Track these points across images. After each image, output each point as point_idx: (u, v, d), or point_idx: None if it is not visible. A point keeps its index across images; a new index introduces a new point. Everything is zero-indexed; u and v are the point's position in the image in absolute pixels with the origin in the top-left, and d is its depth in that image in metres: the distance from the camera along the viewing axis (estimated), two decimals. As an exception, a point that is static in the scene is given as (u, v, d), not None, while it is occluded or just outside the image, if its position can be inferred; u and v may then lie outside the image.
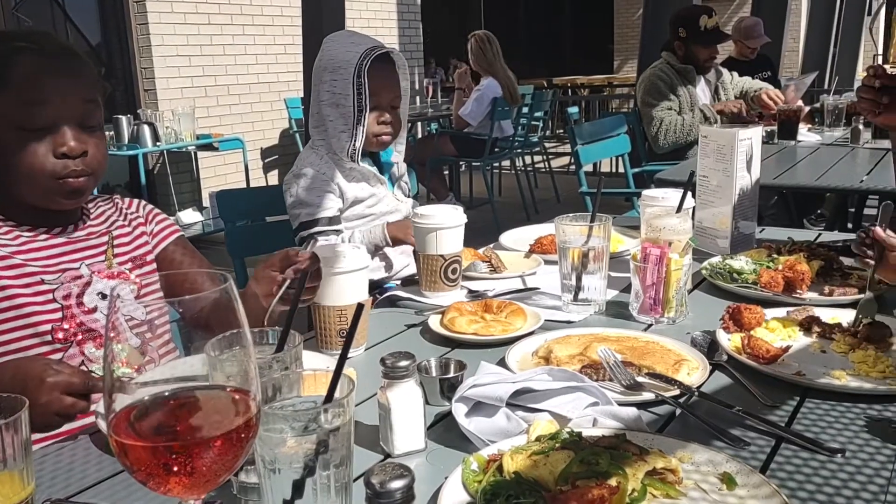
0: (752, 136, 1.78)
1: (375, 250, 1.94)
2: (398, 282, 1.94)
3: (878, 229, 1.34)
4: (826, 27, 9.58)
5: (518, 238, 2.02)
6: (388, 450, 1.00)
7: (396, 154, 2.11)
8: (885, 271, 1.26)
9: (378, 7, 8.24)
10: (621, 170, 4.14)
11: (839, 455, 0.93)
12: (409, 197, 2.13)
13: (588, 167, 3.67)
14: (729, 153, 1.78)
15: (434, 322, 1.44)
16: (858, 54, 11.17)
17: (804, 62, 9.83)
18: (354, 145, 1.90)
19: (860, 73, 11.37)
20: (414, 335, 1.45)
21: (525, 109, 6.86)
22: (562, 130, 10.96)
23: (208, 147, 6.09)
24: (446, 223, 1.59)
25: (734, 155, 1.77)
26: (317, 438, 0.74)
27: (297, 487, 0.74)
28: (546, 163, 7.95)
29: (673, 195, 1.67)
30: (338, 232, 1.94)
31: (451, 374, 1.15)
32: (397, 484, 0.68)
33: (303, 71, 5.46)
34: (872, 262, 1.35)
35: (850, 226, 3.87)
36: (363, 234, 1.94)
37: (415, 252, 1.65)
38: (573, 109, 9.13)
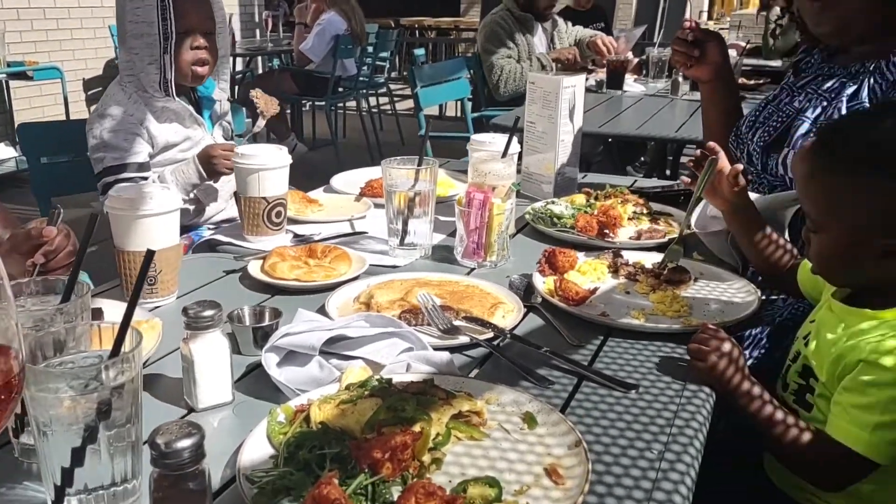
0: (575, 84, 1.83)
1: (192, 189, 1.83)
2: (214, 226, 1.86)
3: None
4: (658, -19, 10.01)
5: (349, 181, 1.98)
6: (191, 404, 0.95)
7: (219, 91, 2.00)
8: (713, 197, 1.33)
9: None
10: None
11: (633, 391, 0.99)
12: (231, 139, 2.02)
13: (433, 109, 3.67)
14: (554, 100, 1.82)
15: (254, 268, 1.39)
16: (686, 9, 11.80)
17: (637, 14, 10.27)
18: (165, 77, 1.77)
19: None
20: (233, 282, 1.39)
21: (370, 49, 6.72)
22: (408, 72, 10.90)
23: (22, 76, 5.53)
24: (269, 164, 1.52)
25: (558, 102, 1.81)
26: (97, 398, 0.69)
27: (76, 454, 0.68)
28: (392, 105, 7.87)
29: (500, 140, 1.69)
30: (145, 179, 1.81)
31: (266, 323, 1.11)
32: (185, 443, 0.64)
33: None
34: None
35: (668, 172, 4.13)
36: (174, 174, 1.82)
37: (236, 194, 1.57)
38: (419, 51, 9.07)
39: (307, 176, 5.63)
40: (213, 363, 0.94)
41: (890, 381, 0.95)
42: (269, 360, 1.00)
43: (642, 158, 4.88)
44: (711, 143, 1.33)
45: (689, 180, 1.44)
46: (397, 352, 1.02)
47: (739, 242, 1.34)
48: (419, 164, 1.48)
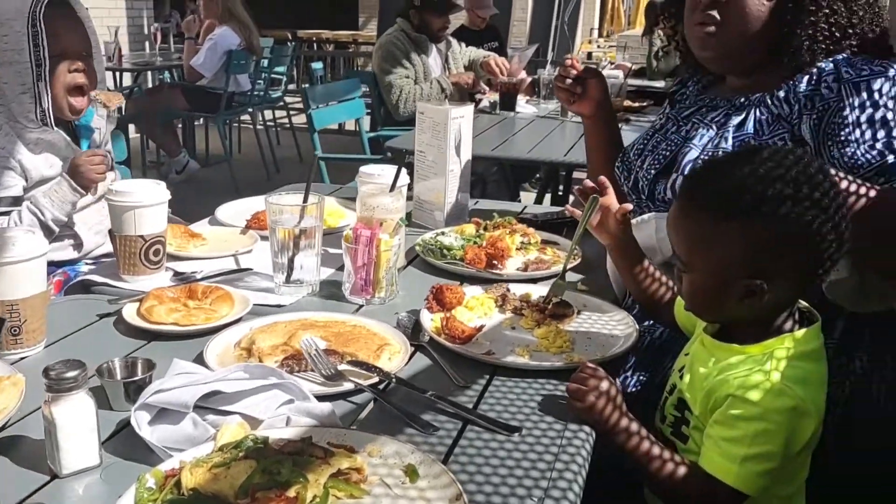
0: (464, 115, 1.85)
1: (71, 208, 1.74)
2: (92, 262, 1.77)
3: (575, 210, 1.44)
4: (549, 1, 10.30)
5: (237, 211, 1.93)
6: (55, 469, 0.90)
7: (97, 118, 1.91)
8: (599, 231, 1.36)
9: (96, -61, 7.40)
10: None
11: (516, 433, 1.00)
12: (111, 169, 1.93)
13: (333, 125, 3.61)
14: (443, 130, 1.83)
15: (129, 312, 1.32)
16: (577, 26, 12.19)
17: (531, 33, 10.53)
18: (42, 107, 1.68)
19: (578, 46, 12.46)
20: (107, 327, 1.32)
21: (265, 63, 6.60)
22: (308, 85, 10.77)
23: None
24: (145, 200, 1.46)
25: (448, 132, 1.82)
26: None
27: None
28: (289, 118, 7.75)
29: (389, 172, 1.68)
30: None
31: (138, 377, 1.06)
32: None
33: None
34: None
35: (560, 188, 4.24)
36: (48, 196, 1.72)
37: (111, 232, 1.50)
38: (317, 65, 8.99)
39: (201, 194, 5.44)
40: (77, 426, 0.89)
41: (756, 414, 1.00)
42: (140, 419, 0.96)
43: (537, 175, 5.00)
44: (602, 179, 1.35)
45: (573, 210, 1.48)
46: (277, 405, 0.99)
47: (621, 275, 1.38)
48: (305, 201, 1.45)
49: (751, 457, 0.99)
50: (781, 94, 1.39)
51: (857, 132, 1.28)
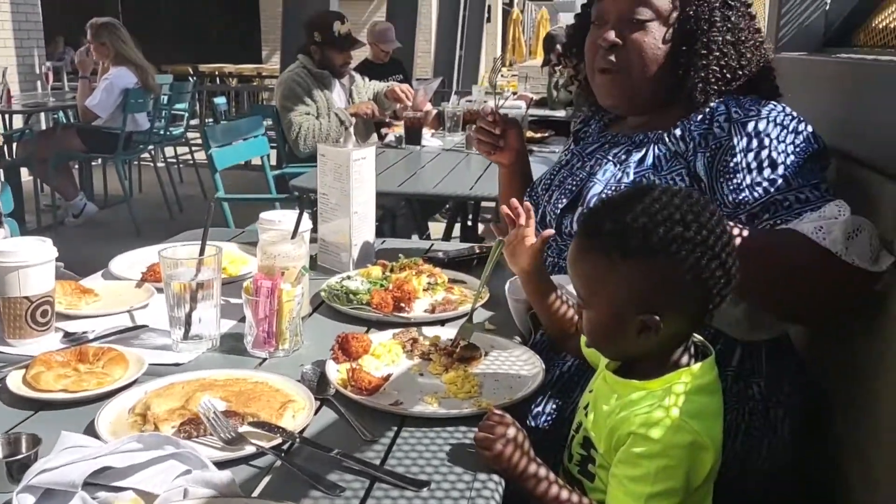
0: (366, 156, 1.84)
1: None
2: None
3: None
4: (452, 31, 10.50)
5: (133, 263, 1.85)
6: (-76, 569, 0.82)
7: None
8: (513, 261, 1.36)
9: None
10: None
11: (424, 489, 0.98)
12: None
13: (239, 162, 3.51)
14: (345, 172, 1.81)
15: (14, 380, 1.24)
16: (480, 56, 12.45)
17: (435, 65, 10.68)
18: None
19: (482, 74, 12.71)
20: (-12, 398, 1.23)
21: (165, 100, 6.43)
22: (211, 120, 10.56)
23: None
24: (30, 259, 1.38)
25: (349, 174, 1.80)
26: None
27: None
28: (191, 154, 7.56)
29: (290, 217, 1.65)
30: None
31: (22, 454, 0.99)
32: None
33: None
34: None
35: (469, 218, 4.28)
36: None
37: (-9, 294, 1.41)
38: (220, 100, 8.83)
39: (100, 238, 5.26)
40: (-52, 519, 0.82)
41: (658, 451, 1.02)
42: (24, 502, 0.89)
43: (447, 206, 5.03)
44: (527, 204, 1.34)
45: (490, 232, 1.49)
46: (173, 476, 0.94)
47: (534, 305, 1.39)
48: (202, 252, 1.41)
49: (655, 494, 1.01)
50: (678, 132, 1.45)
51: (745, 170, 1.35)
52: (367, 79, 4.52)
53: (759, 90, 1.49)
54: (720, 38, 1.43)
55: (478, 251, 1.96)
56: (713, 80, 1.43)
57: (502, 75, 12.57)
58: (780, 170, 1.33)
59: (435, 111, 4.49)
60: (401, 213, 3.89)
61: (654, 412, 1.04)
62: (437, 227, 4.94)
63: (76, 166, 6.12)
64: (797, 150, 1.35)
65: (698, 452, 1.03)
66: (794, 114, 1.40)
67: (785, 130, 1.37)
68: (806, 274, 1.26)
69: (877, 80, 1.63)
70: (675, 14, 1.45)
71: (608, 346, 1.14)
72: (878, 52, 1.85)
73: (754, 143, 1.36)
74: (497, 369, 1.33)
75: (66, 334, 1.46)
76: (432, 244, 2.13)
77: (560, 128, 4.17)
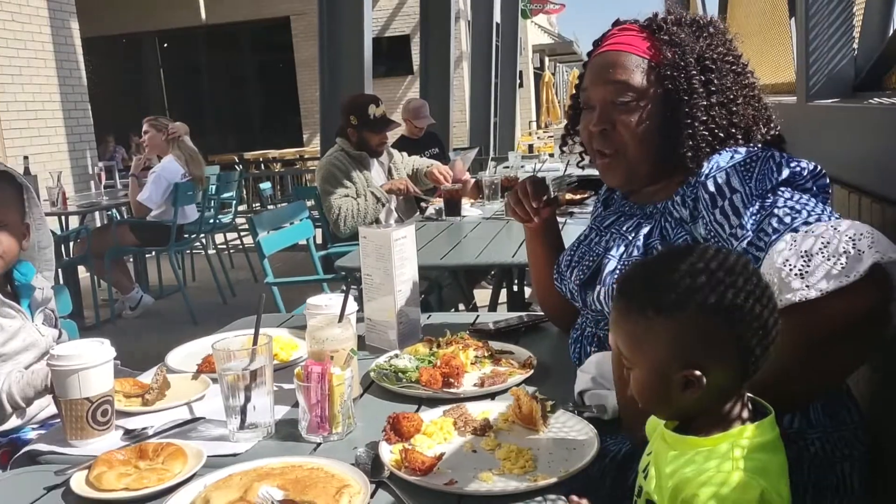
0: (406, 235, 1.88)
1: (34, 396, 1.69)
2: (38, 426, 1.71)
3: None
4: (486, 99, 10.72)
5: (188, 354, 1.90)
6: None
7: (40, 278, 1.89)
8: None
9: (37, 89, 7.52)
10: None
11: (487, 568, 0.97)
12: (55, 326, 1.91)
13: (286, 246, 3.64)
14: (387, 252, 1.85)
15: (78, 481, 1.27)
16: (515, 121, 12.63)
17: (471, 133, 10.87)
18: None
19: (518, 138, 12.89)
20: (55, 501, 1.26)
21: (212, 190, 6.66)
22: (258, 205, 10.87)
23: None
24: (90, 361, 1.43)
25: (391, 253, 1.84)
26: None
27: None
28: (240, 240, 7.77)
29: (336, 301, 1.68)
30: None
31: (88, 557, 1.01)
32: None
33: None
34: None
35: (515, 283, 4.28)
36: (21, 376, 1.68)
37: (54, 396, 1.47)
38: (265, 185, 9.11)
39: (157, 328, 5.38)
40: None
41: None
42: None
43: (492, 273, 5.04)
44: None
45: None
46: (234, 572, 0.95)
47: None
48: (255, 342, 1.44)
49: None
50: (678, 198, 1.46)
51: (719, 224, 1.36)
52: (404, 154, 4.63)
53: (756, 140, 1.49)
54: (704, 104, 1.45)
55: (525, 320, 1.96)
56: (703, 144, 1.45)
57: (538, 137, 12.74)
58: (740, 216, 1.33)
59: (473, 180, 4.55)
60: (446, 284, 3.92)
61: (719, 472, 1.02)
62: (483, 295, 4.94)
63: (131, 260, 6.33)
64: (751, 194, 1.35)
65: (769, 499, 1.00)
66: (758, 155, 1.39)
67: (744, 175, 1.37)
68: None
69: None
70: (655, 90, 1.48)
71: (658, 405, 1.12)
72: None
73: (717, 199, 1.37)
74: (551, 439, 1.32)
75: (127, 431, 1.49)
76: (478, 315, 2.14)
77: (601, 187, 4.16)
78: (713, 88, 1.46)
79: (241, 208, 8.62)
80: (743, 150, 1.42)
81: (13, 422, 1.72)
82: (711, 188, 1.39)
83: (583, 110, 1.59)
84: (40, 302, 1.89)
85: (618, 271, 1.47)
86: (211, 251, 7.02)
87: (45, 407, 1.77)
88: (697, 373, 1.03)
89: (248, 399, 1.42)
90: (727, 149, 1.44)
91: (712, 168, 1.42)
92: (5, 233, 1.77)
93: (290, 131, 15.06)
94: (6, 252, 1.77)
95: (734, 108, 1.47)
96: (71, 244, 6.00)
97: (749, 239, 1.32)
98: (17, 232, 1.80)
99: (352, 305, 1.66)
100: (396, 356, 1.72)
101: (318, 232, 4.42)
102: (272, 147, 13.62)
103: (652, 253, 1.45)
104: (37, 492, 1.29)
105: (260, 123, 16.16)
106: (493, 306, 3.99)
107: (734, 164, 1.39)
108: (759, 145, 1.45)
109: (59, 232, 6.32)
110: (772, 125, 1.52)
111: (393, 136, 4.81)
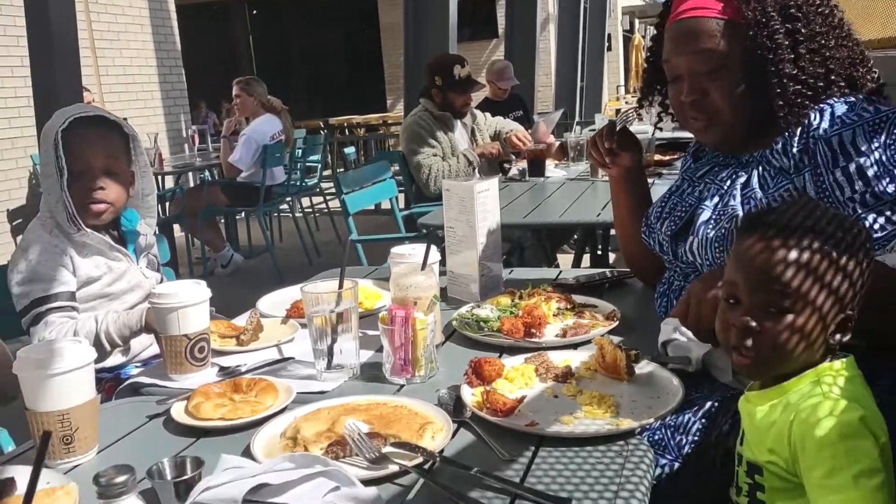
0: (489, 188, 1.88)
1: (130, 335, 1.79)
2: (140, 364, 1.81)
3: None
4: (572, 63, 10.50)
5: (276, 301, 1.96)
6: (110, 577, 0.91)
7: (144, 225, 1.99)
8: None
9: (134, 53, 7.83)
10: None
11: (566, 505, 0.98)
12: (157, 271, 2.01)
13: (369, 206, 3.72)
14: (469, 205, 1.86)
15: (178, 410, 1.35)
16: (602, 85, 12.35)
17: (556, 97, 10.70)
18: (71, 212, 1.78)
19: (605, 103, 12.61)
20: (157, 428, 1.34)
21: (299, 153, 6.82)
22: (342, 169, 11.05)
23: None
24: (187, 301, 1.50)
25: (474, 206, 1.85)
26: None
27: None
28: (325, 203, 7.93)
29: (420, 250, 1.71)
30: (75, 309, 1.78)
31: (187, 475, 1.07)
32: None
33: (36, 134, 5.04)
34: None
35: (599, 247, 4.24)
36: (118, 316, 1.79)
37: (156, 333, 1.55)
38: (350, 149, 9.25)
39: (247, 285, 5.57)
40: (129, 532, 0.91)
41: (836, 438, 0.98)
42: (191, 518, 0.97)
43: (575, 237, 4.99)
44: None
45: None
46: (323, 493, 0.99)
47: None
48: (340, 287, 1.48)
49: (859, 475, 0.96)
50: (779, 146, 1.41)
51: (838, 186, 1.32)
52: (487, 116, 4.61)
53: (858, 86, 1.43)
54: (792, 57, 1.38)
55: (609, 275, 1.94)
56: (799, 99, 1.39)
57: (626, 102, 12.43)
58: (869, 183, 1.30)
59: (557, 143, 4.50)
60: (528, 246, 3.90)
61: (817, 409, 1.01)
62: (566, 259, 4.91)
63: (222, 220, 6.57)
64: (889, 156, 1.30)
65: (873, 427, 0.99)
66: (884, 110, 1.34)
67: (873, 137, 1.32)
68: None
69: None
70: (740, 51, 1.41)
71: (799, 355, 1.05)
72: None
73: (840, 159, 1.33)
74: (634, 387, 1.31)
75: (221, 368, 1.57)
76: (560, 271, 2.13)
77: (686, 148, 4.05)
78: (801, 38, 1.39)
79: (325, 173, 8.78)
80: (870, 106, 1.35)
81: (118, 359, 1.83)
82: (835, 145, 1.34)
83: (670, 83, 1.55)
84: (144, 247, 1.99)
85: (712, 221, 1.43)
86: (297, 214, 7.20)
87: (147, 346, 1.88)
88: (852, 314, 1.05)
89: (334, 341, 1.46)
90: (840, 99, 1.38)
91: (832, 120, 1.36)
92: (116, 182, 1.86)
93: (374, 97, 15.19)
94: (116, 200, 1.87)
95: (828, 54, 1.40)
96: (167, 203, 6.26)
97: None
98: (126, 181, 1.90)
99: (434, 256, 1.69)
100: (478, 307, 1.73)
101: (401, 196, 4.48)
102: (356, 113, 13.77)
103: (749, 202, 1.41)
104: (139, 420, 1.38)
105: (345, 89, 16.36)
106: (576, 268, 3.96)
107: (863, 123, 1.33)
108: (882, 101, 1.38)
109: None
110: (869, 65, 1.44)
111: (477, 98, 4.80)
